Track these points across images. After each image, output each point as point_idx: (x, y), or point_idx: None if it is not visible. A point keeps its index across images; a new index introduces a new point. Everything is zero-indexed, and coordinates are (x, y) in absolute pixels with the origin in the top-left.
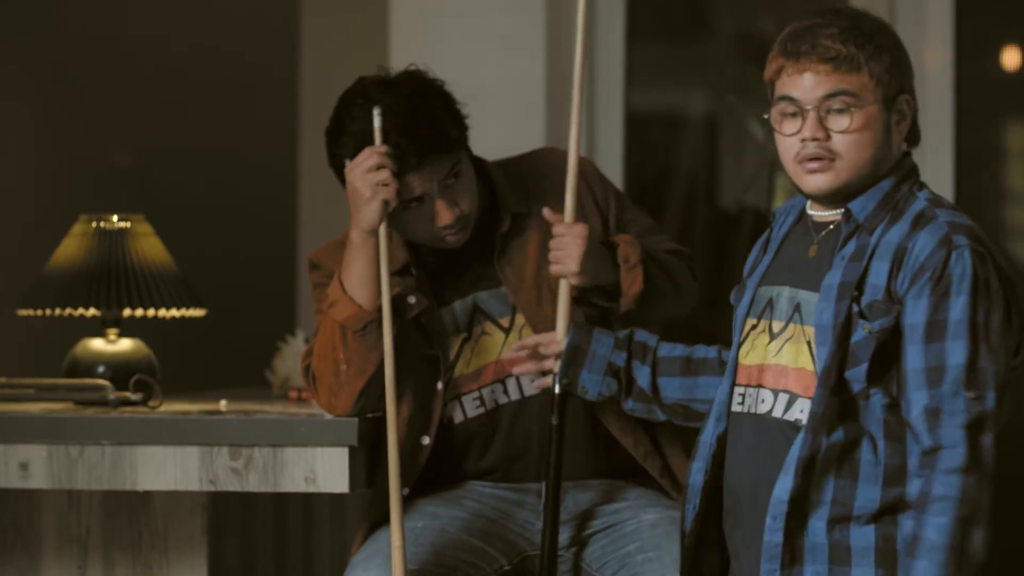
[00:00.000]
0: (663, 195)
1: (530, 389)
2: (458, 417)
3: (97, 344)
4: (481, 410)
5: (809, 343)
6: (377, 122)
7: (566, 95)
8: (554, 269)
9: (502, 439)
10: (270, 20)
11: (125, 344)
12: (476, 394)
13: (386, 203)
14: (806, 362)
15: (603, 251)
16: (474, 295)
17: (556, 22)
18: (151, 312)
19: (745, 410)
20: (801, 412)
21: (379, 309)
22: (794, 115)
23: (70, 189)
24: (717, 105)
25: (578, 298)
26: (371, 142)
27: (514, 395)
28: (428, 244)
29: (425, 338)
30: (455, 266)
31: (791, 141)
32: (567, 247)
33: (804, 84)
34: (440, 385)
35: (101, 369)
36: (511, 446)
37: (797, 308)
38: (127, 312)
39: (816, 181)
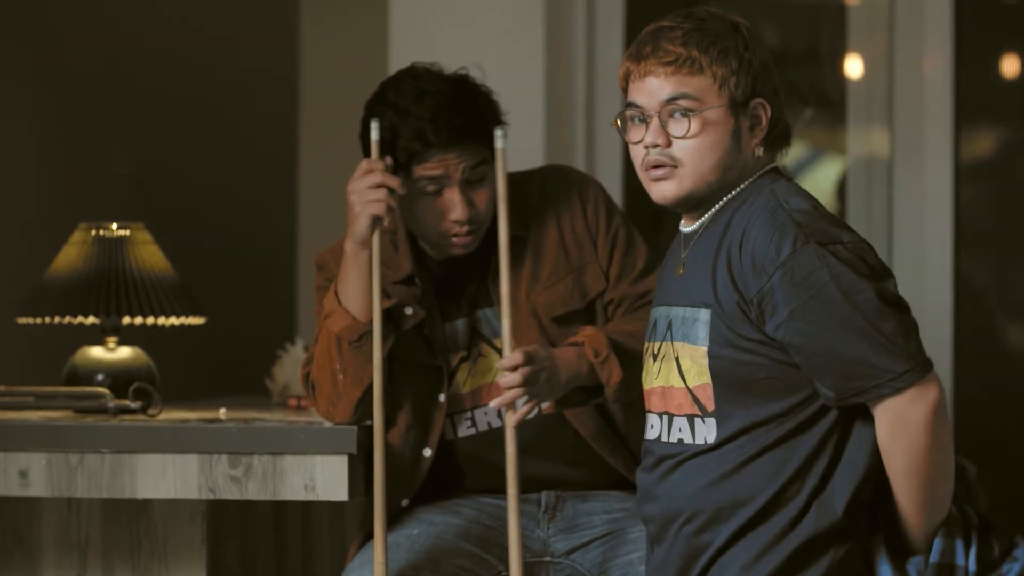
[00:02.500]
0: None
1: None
2: (449, 435)
3: (96, 352)
4: (472, 431)
5: (677, 359)
6: (375, 135)
7: (566, 99)
8: (530, 406)
9: (495, 460)
10: (269, 25)
11: (124, 352)
12: (468, 415)
13: (377, 219)
14: (676, 379)
15: (568, 359)
16: (475, 314)
17: (555, 26)
18: (150, 320)
19: (645, 438)
20: (680, 431)
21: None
22: (640, 121)
23: (69, 197)
24: None
25: (561, 319)
26: (407, 121)
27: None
28: (434, 245)
29: (428, 348)
30: (458, 282)
31: (638, 148)
32: (533, 383)
33: (647, 88)
34: (443, 397)
35: (100, 377)
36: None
37: (669, 326)
38: (126, 320)
39: (661, 189)
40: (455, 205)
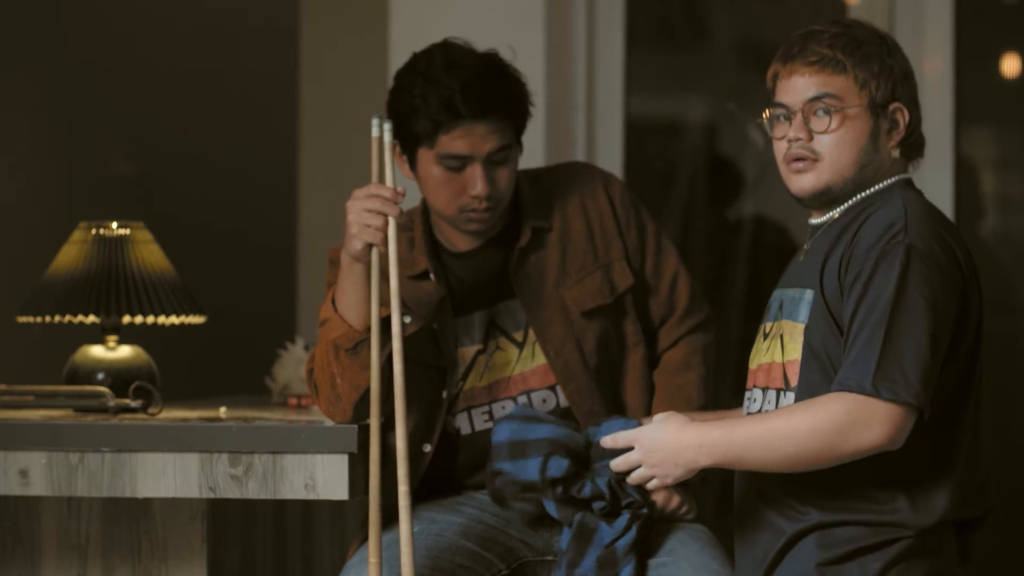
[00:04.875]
0: (662, 203)
1: (541, 407)
2: (465, 429)
3: (97, 351)
4: (489, 424)
5: (782, 336)
6: (384, 135)
7: (566, 101)
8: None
9: None
10: (269, 26)
11: (125, 351)
12: (486, 408)
13: (369, 246)
14: (777, 354)
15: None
16: (493, 307)
17: (556, 28)
18: (151, 319)
19: (744, 412)
20: (769, 403)
21: (369, 329)
22: (785, 119)
23: (70, 196)
24: (716, 112)
25: (590, 312)
26: (436, 90)
27: None
28: (450, 221)
29: (435, 345)
30: (477, 275)
31: (781, 144)
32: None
33: (792, 88)
34: (444, 394)
35: (101, 376)
36: None
37: (781, 306)
38: (127, 319)
39: (800, 181)
40: (476, 180)
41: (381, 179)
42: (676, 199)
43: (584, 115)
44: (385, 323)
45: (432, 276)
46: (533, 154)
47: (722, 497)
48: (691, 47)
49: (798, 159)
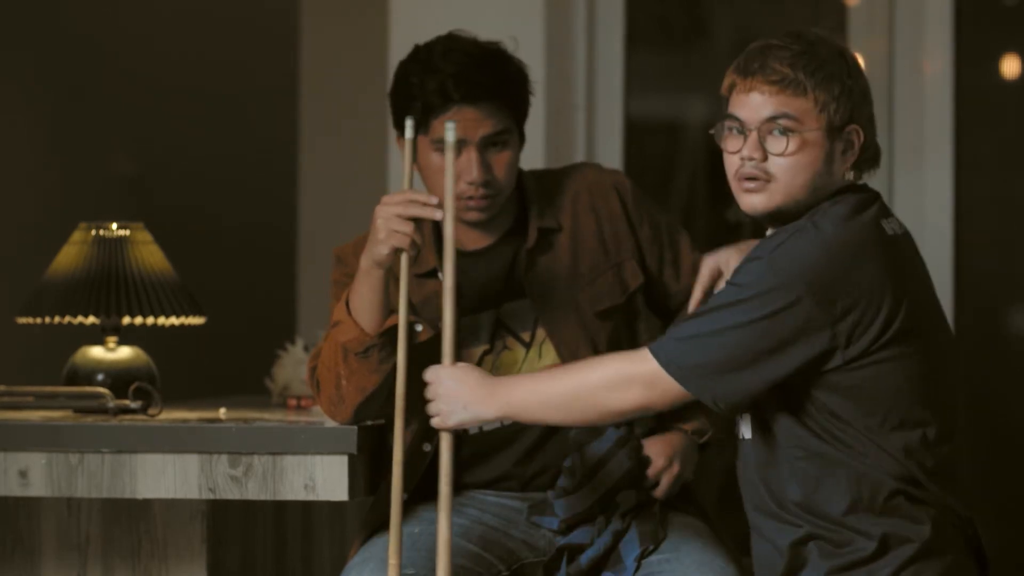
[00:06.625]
0: (662, 203)
1: None
2: (472, 428)
3: (96, 352)
4: (496, 424)
5: None
6: (409, 133)
7: (565, 101)
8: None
9: (515, 454)
10: (269, 26)
11: (124, 352)
12: None
13: (398, 250)
14: None
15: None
16: (500, 308)
17: (556, 26)
18: (150, 320)
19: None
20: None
21: (382, 334)
22: (739, 132)
23: (69, 196)
24: (716, 112)
25: (603, 313)
26: (431, 75)
27: None
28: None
29: (440, 348)
30: (484, 274)
31: (733, 158)
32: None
33: (750, 103)
34: None
35: (100, 377)
36: (523, 461)
37: None
38: (126, 320)
39: (751, 200)
40: (471, 166)
41: (411, 183)
42: (676, 199)
43: (584, 115)
44: (396, 330)
45: (440, 275)
46: (533, 154)
47: (722, 497)
48: (691, 47)
49: (750, 178)
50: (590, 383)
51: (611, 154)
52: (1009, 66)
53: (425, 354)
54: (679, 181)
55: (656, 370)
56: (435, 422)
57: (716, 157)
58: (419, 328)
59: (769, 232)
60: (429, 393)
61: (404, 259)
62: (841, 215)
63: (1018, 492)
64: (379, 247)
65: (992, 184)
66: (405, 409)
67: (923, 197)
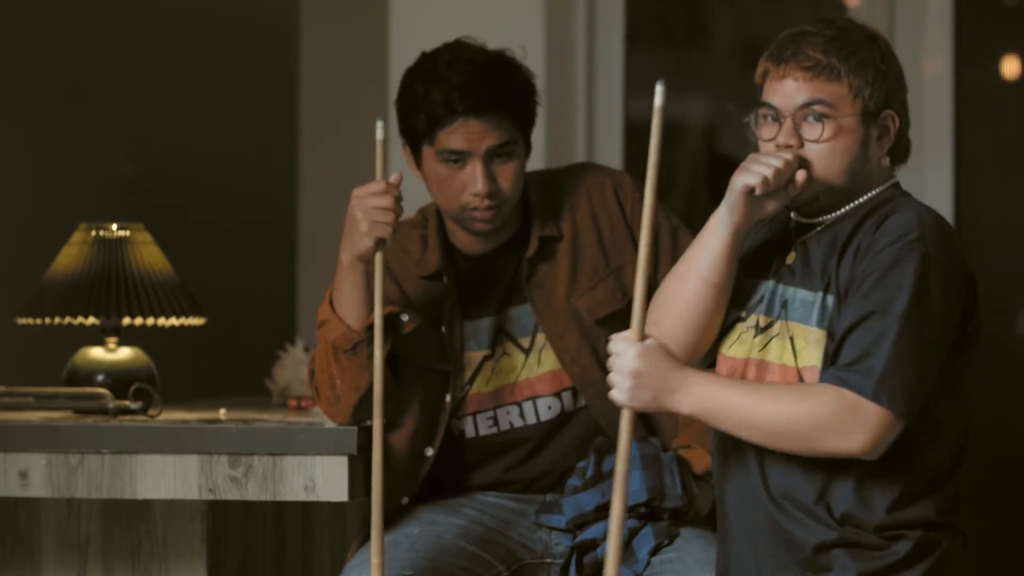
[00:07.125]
0: (662, 203)
1: (546, 413)
2: (469, 432)
3: (96, 353)
4: (494, 430)
5: (792, 339)
6: (379, 134)
7: (565, 101)
8: None
9: (517, 457)
10: (269, 26)
11: (124, 353)
12: (491, 414)
13: (381, 241)
14: (788, 358)
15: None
16: (501, 314)
17: (556, 26)
18: (150, 321)
19: None
20: None
21: (368, 328)
22: (773, 120)
23: (69, 197)
24: (716, 112)
25: (603, 320)
26: (436, 85)
27: (530, 419)
28: (455, 220)
29: (440, 348)
30: (489, 279)
31: (768, 147)
32: None
33: (784, 90)
34: (448, 397)
35: (100, 378)
36: (524, 464)
37: (784, 305)
38: (126, 321)
39: (787, 188)
40: (476, 178)
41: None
42: (676, 199)
43: (584, 115)
44: (386, 322)
45: (444, 278)
46: (533, 154)
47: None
48: (691, 47)
49: None
50: (804, 419)
51: (611, 154)
52: (1009, 66)
53: (421, 352)
54: (679, 181)
55: (884, 414)
56: (617, 398)
57: (716, 157)
58: (405, 318)
59: (798, 216)
60: (612, 365)
61: (379, 253)
62: (936, 216)
63: (1020, 492)
64: (362, 240)
65: (992, 184)
66: (401, 410)
67: (923, 197)
